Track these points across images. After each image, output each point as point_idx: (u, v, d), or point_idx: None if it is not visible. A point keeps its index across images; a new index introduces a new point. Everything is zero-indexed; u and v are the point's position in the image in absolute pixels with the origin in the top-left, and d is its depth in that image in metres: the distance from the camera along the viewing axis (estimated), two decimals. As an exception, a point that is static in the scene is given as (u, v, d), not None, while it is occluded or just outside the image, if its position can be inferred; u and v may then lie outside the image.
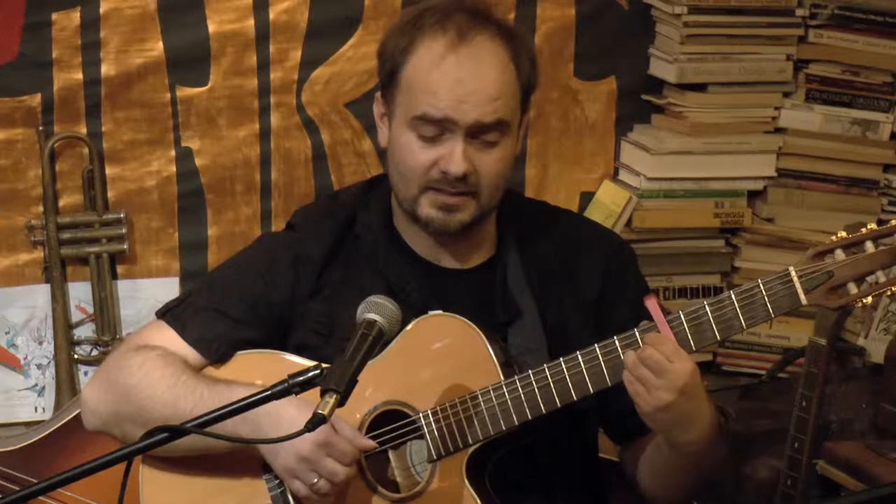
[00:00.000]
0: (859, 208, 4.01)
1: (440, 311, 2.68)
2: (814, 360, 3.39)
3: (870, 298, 2.51)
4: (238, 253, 2.93)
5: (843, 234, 2.52)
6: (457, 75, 2.62)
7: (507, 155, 2.69)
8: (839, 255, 2.51)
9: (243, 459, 2.67)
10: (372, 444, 2.62)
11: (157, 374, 2.69)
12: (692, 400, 2.54)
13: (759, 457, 3.74)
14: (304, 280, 2.76)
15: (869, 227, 2.52)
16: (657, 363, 2.49)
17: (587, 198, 4.05)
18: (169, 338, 2.76)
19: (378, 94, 2.75)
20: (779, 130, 4.03)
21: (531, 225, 2.83)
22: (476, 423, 2.61)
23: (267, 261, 2.79)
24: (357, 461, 2.61)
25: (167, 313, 2.80)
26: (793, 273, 2.51)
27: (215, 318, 2.75)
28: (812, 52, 3.99)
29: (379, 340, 2.46)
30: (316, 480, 2.58)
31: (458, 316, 2.66)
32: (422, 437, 2.64)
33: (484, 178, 2.66)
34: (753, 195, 4.06)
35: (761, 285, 2.52)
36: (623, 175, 4.04)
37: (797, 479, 3.36)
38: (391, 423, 2.66)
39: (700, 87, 3.97)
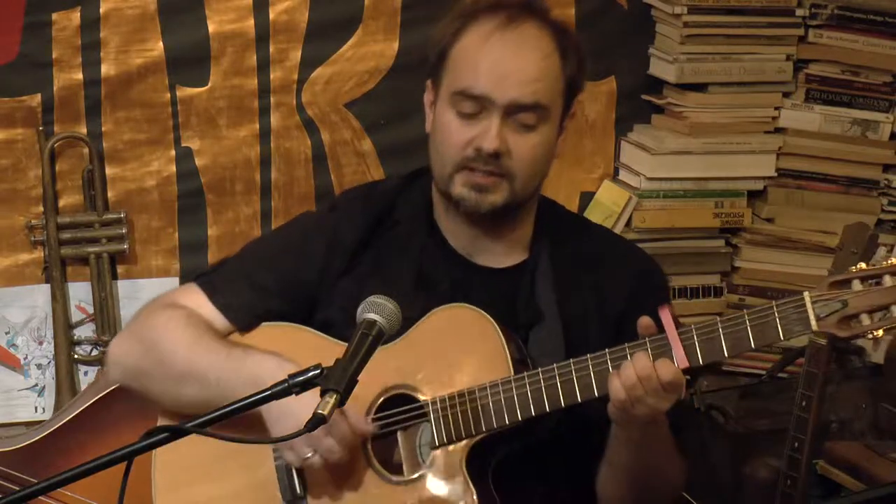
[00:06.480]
0: (859, 208, 4.01)
1: (461, 303, 2.69)
2: (814, 360, 3.39)
3: (881, 332, 2.46)
4: (277, 228, 3.00)
5: (863, 265, 2.49)
6: (499, 54, 2.66)
7: (545, 142, 2.71)
8: (856, 285, 2.48)
9: (253, 425, 2.68)
10: (372, 429, 2.66)
11: (179, 331, 2.75)
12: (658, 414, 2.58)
13: (759, 457, 3.74)
14: (335, 262, 2.80)
15: (890, 261, 2.48)
16: (654, 390, 2.51)
17: (587, 198, 4.05)
18: (198, 300, 2.81)
19: (428, 82, 2.78)
20: (779, 130, 4.03)
21: (567, 235, 2.83)
22: (481, 414, 2.62)
23: (302, 241, 2.84)
24: (359, 442, 2.64)
25: (200, 277, 2.86)
26: (807, 299, 2.49)
27: (245, 287, 2.80)
28: (812, 52, 3.99)
29: (379, 340, 2.46)
30: (310, 455, 2.62)
31: (477, 308, 2.67)
32: (430, 422, 2.66)
33: (517, 162, 2.67)
34: (753, 195, 4.06)
35: (775, 308, 2.51)
36: (623, 175, 4.04)
37: (797, 479, 3.36)
38: (402, 405, 2.68)
39: (700, 87, 3.97)
